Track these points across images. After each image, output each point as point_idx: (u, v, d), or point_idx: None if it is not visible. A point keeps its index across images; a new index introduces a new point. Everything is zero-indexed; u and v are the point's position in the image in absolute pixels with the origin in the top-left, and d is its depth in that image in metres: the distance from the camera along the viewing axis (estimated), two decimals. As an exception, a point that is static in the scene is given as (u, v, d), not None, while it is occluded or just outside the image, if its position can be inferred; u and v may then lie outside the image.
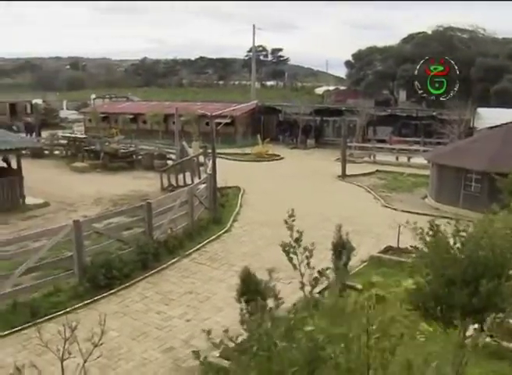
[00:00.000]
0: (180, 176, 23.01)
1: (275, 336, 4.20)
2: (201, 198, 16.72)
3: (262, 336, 4.13)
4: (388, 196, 21.29)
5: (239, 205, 19.44)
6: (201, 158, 23.44)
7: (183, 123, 34.21)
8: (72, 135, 36.19)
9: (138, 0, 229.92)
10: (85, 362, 5.12)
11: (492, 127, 21.54)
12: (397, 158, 30.01)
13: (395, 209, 18.71)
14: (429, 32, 56.75)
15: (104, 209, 18.71)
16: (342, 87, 71.59)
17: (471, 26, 56.04)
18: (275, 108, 41.66)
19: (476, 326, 5.82)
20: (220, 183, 19.10)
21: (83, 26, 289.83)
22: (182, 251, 13.91)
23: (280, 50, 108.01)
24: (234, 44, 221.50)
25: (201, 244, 14.61)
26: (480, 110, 34.40)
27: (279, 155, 32.53)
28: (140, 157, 29.51)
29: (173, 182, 22.78)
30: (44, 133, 39.84)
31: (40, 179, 23.61)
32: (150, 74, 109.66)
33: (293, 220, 4.64)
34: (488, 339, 7.47)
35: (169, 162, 26.54)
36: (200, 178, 20.52)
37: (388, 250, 13.46)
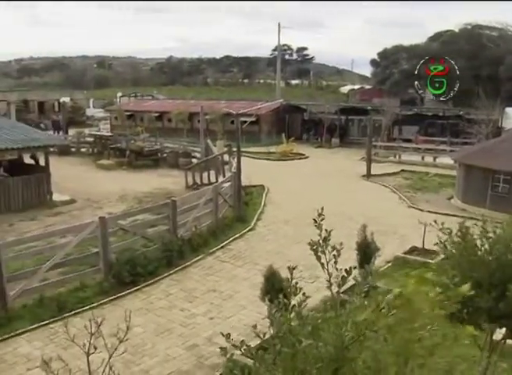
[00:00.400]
0: (205, 175, 23.10)
1: (300, 334, 4.18)
2: (226, 197, 16.77)
3: (287, 333, 4.12)
4: (413, 196, 21.07)
5: (263, 203, 19.44)
6: (226, 157, 23.53)
7: (207, 122, 34.34)
8: (99, 133, 36.63)
9: (164, 0, 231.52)
10: (110, 357, 5.17)
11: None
12: (423, 158, 29.66)
13: (420, 210, 18.51)
14: (456, 30, 55.97)
15: (129, 207, 18.89)
16: (367, 86, 71.07)
17: (500, 24, 55.06)
18: (300, 107, 41.55)
19: (504, 330, 5.73)
20: (244, 182, 19.12)
21: (110, 25, 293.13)
22: (206, 249, 13.97)
23: (305, 49, 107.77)
24: (259, 43, 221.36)
25: (225, 243, 14.65)
26: (508, 110, 33.84)
27: (303, 154, 32.43)
28: (165, 155, 29.71)
29: (198, 180, 22.88)
30: (71, 131, 40.34)
31: (67, 176, 23.94)
32: (175, 73, 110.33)
33: (322, 219, 4.62)
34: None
35: (194, 161, 26.67)
36: (224, 176, 20.61)
37: (413, 250, 13.34)
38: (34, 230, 15.71)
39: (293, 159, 31.30)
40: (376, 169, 25.76)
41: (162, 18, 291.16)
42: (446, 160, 25.21)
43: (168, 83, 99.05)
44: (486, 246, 5.53)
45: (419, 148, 31.57)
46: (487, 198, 18.09)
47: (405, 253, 13.20)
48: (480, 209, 17.32)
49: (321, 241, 4.70)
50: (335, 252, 4.72)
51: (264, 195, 20.75)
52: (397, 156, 30.64)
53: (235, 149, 19.36)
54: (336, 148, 36.34)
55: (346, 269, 4.79)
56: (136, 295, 11.20)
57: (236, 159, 18.42)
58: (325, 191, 21.75)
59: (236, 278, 12.18)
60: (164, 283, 11.88)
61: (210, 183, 20.28)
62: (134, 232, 13.13)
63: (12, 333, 9.33)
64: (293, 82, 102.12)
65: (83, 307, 10.36)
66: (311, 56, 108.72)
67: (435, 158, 28.95)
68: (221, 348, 4.72)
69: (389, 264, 12.66)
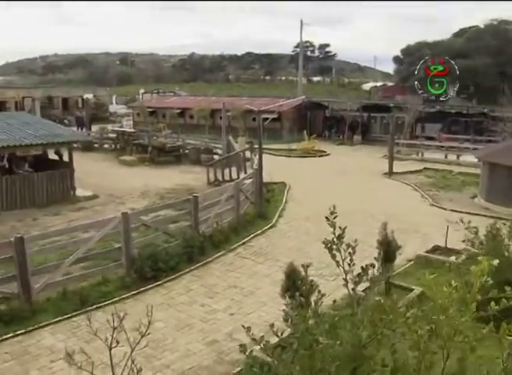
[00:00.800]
0: (226, 171, 23.15)
1: (317, 333, 4.18)
2: (247, 193, 16.79)
3: (304, 333, 4.12)
4: (436, 195, 20.86)
5: (284, 200, 19.43)
6: (247, 154, 23.55)
7: (229, 118, 34.40)
8: (121, 129, 36.97)
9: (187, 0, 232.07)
10: (132, 351, 5.22)
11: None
12: (446, 156, 29.34)
13: (443, 208, 18.32)
14: (482, 26, 55.22)
15: (151, 202, 19.03)
16: (390, 83, 70.54)
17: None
18: (322, 104, 41.40)
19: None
20: (266, 179, 19.13)
21: (133, 23, 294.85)
22: (227, 246, 13.99)
23: (327, 45, 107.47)
24: (281, 40, 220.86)
25: (246, 239, 14.66)
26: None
27: (325, 151, 32.32)
28: (186, 151, 29.86)
29: (219, 176, 22.94)
30: (94, 127, 40.76)
31: (90, 171, 24.20)
32: (197, 69, 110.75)
33: (335, 217, 4.60)
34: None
35: (216, 157, 26.76)
36: (246, 173, 20.64)
37: (435, 250, 13.20)
38: (58, 225, 15.92)
39: (314, 156, 31.22)
40: (398, 166, 25.58)
41: (185, 15, 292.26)
42: (470, 158, 24.89)
43: (190, 80, 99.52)
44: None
45: (442, 146, 31.21)
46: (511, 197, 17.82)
47: (427, 252, 13.07)
48: (504, 209, 17.12)
49: (335, 239, 4.69)
50: (350, 250, 4.71)
51: (285, 192, 20.72)
52: (420, 154, 30.35)
53: (256, 146, 19.38)
54: (358, 145, 36.14)
55: (362, 267, 4.77)
56: (158, 290, 11.27)
57: (257, 156, 18.43)
58: (347, 188, 21.65)
59: (257, 275, 12.19)
60: (185, 278, 11.94)
61: (231, 180, 20.33)
62: (156, 228, 13.20)
63: (36, 326, 9.47)
64: (315, 79, 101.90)
65: (105, 301, 10.46)
66: (333, 53, 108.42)
67: (458, 157, 28.61)
68: (240, 345, 4.75)
69: (411, 263, 12.55)
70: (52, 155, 22.52)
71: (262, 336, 4.46)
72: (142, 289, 11.16)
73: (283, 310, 4.59)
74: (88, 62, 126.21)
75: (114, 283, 11.40)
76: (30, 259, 10.25)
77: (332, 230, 4.94)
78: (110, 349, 5.23)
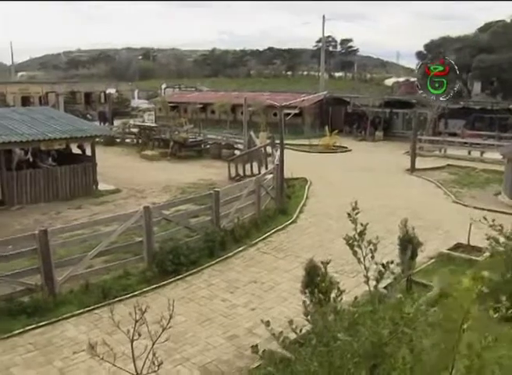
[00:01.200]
0: (247, 166, 23.17)
1: (336, 329, 4.17)
2: (268, 189, 16.78)
3: (323, 330, 4.12)
4: (459, 192, 20.61)
5: (305, 196, 19.37)
6: (268, 149, 23.53)
7: (250, 113, 34.39)
8: (143, 124, 37.18)
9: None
10: (154, 343, 5.27)
11: None
12: (469, 153, 28.95)
13: (466, 206, 18.10)
14: (508, 20, 54.25)
15: (172, 197, 19.12)
16: (412, 79, 69.77)
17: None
18: (344, 99, 41.16)
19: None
20: (287, 174, 19.09)
21: (155, 18, 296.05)
22: (248, 241, 14.01)
23: (349, 40, 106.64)
24: (303, 35, 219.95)
25: (267, 234, 14.66)
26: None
27: (346, 147, 32.16)
28: (208, 146, 29.94)
29: (240, 172, 22.97)
30: (117, 122, 41.11)
31: (112, 166, 24.43)
32: (219, 64, 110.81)
33: (357, 213, 4.58)
34: None
35: (237, 152, 26.80)
36: (267, 168, 20.63)
37: (458, 247, 13.06)
38: (80, 219, 16.11)
39: (335, 152, 31.10)
40: (421, 163, 25.33)
41: (206, 11, 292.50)
42: (494, 155, 24.57)
43: (211, 75, 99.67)
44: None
45: (465, 143, 30.81)
46: (536, 194, 17.56)
47: (449, 249, 12.93)
48: (529, 206, 16.87)
49: (356, 236, 4.67)
50: (371, 247, 4.69)
51: (306, 188, 20.66)
52: (443, 150, 30.01)
53: (278, 141, 19.36)
54: (380, 141, 35.89)
55: (383, 264, 4.75)
56: (178, 284, 11.34)
57: (278, 151, 18.40)
58: (368, 184, 21.51)
59: (277, 270, 12.19)
60: (206, 273, 11.99)
61: (252, 175, 20.35)
62: (177, 222, 13.27)
63: (59, 318, 9.60)
64: (337, 74, 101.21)
65: (127, 294, 10.55)
66: (355, 48, 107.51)
67: (482, 153, 28.23)
68: (252, 346, 4.76)
69: (433, 260, 12.43)
70: (75, 150, 22.77)
71: (281, 332, 4.48)
72: (163, 283, 11.24)
73: (303, 305, 4.59)
74: (111, 57, 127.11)
75: (135, 277, 11.50)
76: (53, 252, 10.41)
77: (353, 226, 4.92)
78: (132, 341, 5.29)
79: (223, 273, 12.03)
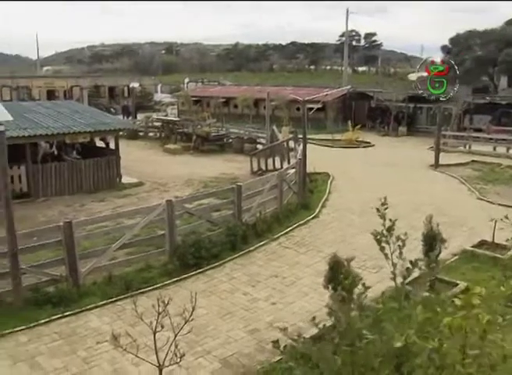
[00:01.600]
0: (270, 161, 23.14)
1: (361, 326, 4.15)
2: (290, 183, 16.75)
3: (347, 328, 4.10)
4: (483, 188, 20.31)
5: (328, 191, 19.28)
6: (291, 144, 23.47)
7: (273, 108, 34.34)
8: (166, 118, 37.37)
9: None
10: (176, 335, 5.31)
11: None
12: (495, 149, 28.47)
13: (490, 202, 17.83)
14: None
15: (195, 191, 19.21)
16: (437, 74, 68.87)
17: None
18: (367, 94, 40.83)
19: None
20: (309, 169, 19.03)
21: (178, 12, 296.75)
22: (270, 235, 14.00)
23: (373, 35, 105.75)
24: (326, 29, 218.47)
25: (289, 229, 14.63)
26: None
27: (369, 142, 31.92)
28: (230, 140, 29.98)
29: (263, 166, 22.96)
30: (140, 116, 41.37)
31: (135, 159, 24.64)
32: (241, 59, 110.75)
33: (386, 208, 4.53)
34: None
35: (259, 146, 26.78)
36: (289, 163, 20.59)
37: (482, 244, 12.88)
38: (104, 211, 16.29)
39: (358, 147, 30.87)
40: (445, 159, 25.03)
41: (230, 5, 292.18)
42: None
43: (234, 70, 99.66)
44: None
45: (491, 138, 30.31)
46: None
47: (473, 246, 12.77)
48: (556, 203, 16.55)
49: (384, 231, 4.63)
50: (399, 243, 4.64)
51: (328, 183, 20.57)
52: (467, 146, 29.58)
53: (300, 136, 19.29)
54: (403, 136, 35.52)
55: (411, 261, 4.71)
56: (199, 278, 11.39)
57: (301, 146, 18.34)
58: (391, 179, 21.34)
59: (299, 265, 12.18)
60: (227, 266, 12.02)
61: (275, 170, 20.32)
62: (199, 216, 13.33)
63: (83, 308, 9.74)
64: (360, 69, 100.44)
65: (149, 287, 10.65)
66: (379, 42, 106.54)
67: (508, 149, 27.77)
68: (273, 341, 4.76)
69: (456, 257, 12.29)
70: (99, 143, 23.01)
71: (299, 334, 4.46)
72: (184, 276, 11.30)
73: (327, 305, 4.57)
74: (134, 51, 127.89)
75: (157, 270, 11.59)
76: (77, 244, 10.55)
77: (377, 221, 4.88)
78: (154, 333, 5.35)
79: (245, 266, 12.05)
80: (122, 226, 12.41)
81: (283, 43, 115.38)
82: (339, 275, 7.80)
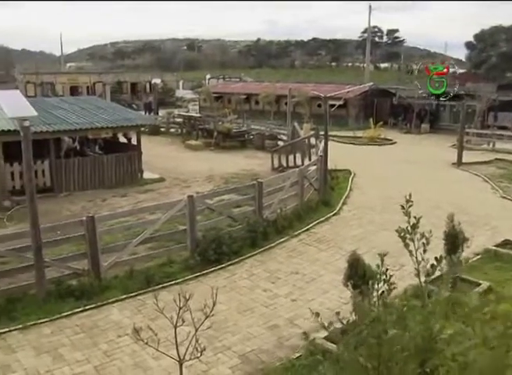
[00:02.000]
0: (291, 157, 23.09)
1: (386, 322, 4.13)
2: (311, 180, 16.71)
3: (374, 322, 4.08)
4: (507, 187, 20.01)
5: (348, 188, 19.19)
6: (312, 140, 23.40)
7: (294, 104, 34.25)
8: (188, 114, 37.53)
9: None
10: (196, 330, 5.34)
11: None
12: (520, 147, 28.08)
13: (514, 201, 17.60)
14: None
15: (216, 186, 19.26)
16: (460, 70, 68.11)
17: None
18: (389, 91, 40.49)
19: None
20: (330, 166, 18.96)
21: (200, 9, 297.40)
22: (290, 232, 13.98)
23: (396, 31, 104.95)
24: (348, 25, 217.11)
25: (310, 226, 14.59)
26: None
27: (391, 140, 31.69)
28: (251, 137, 29.99)
29: (284, 162, 22.93)
30: (161, 112, 41.59)
31: (157, 155, 24.77)
32: (263, 55, 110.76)
33: (410, 206, 4.52)
34: None
35: (280, 143, 26.75)
36: (310, 160, 20.53)
37: (506, 244, 12.70)
38: (125, 206, 16.43)
39: (380, 145, 30.67)
40: (468, 157, 24.72)
41: (251, 1, 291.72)
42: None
43: (255, 66, 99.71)
44: None
45: (516, 136, 29.87)
46: None
47: (496, 246, 12.60)
48: None
49: (409, 228, 4.60)
50: (424, 240, 4.61)
51: (350, 180, 20.48)
52: (491, 144, 29.20)
53: (322, 132, 19.22)
54: (426, 134, 35.18)
55: (436, 258, 4.67)
56: (220, 273, 11.42)
57: (322, 143, 18.27)
58: (413, 177, 21.16)
59: (319, 262, 12.15)
60: (248, 263, 12.04)
61: (296, 166, 20.28)
62: (220, 211, 13.37)
63: (105, 302, 9.85)
64: (383, 65, 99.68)
65: (170, 282, 10.72)
66: (401, 39, 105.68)
67: (533, 148, 27.36)
68: (303, 332, 4.77)
69: (479, 256, 12.14)
70: (121, 138, 23.18)
71: (331, 322, 4.46)
72: (205, 271, 11.35)
73: (352, 298, 4.57)
74: (156, 47, 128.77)
75: (178, 265, 11.65)
76: (99, 238, 10.65)
77: (398, 219, 4.86)
78: (175, 328, 5.38)
79: (265, 263, 12.06)
80: (143, 221, 12.51)
81: (305, 39, 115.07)
82: (358, 272, 7.79)
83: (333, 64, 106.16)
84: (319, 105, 35.78)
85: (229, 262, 11.84)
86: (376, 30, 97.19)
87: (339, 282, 8.82)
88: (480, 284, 9.99)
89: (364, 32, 75.15)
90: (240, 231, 13.05)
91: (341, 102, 33.72)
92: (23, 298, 9.77)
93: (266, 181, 14.54)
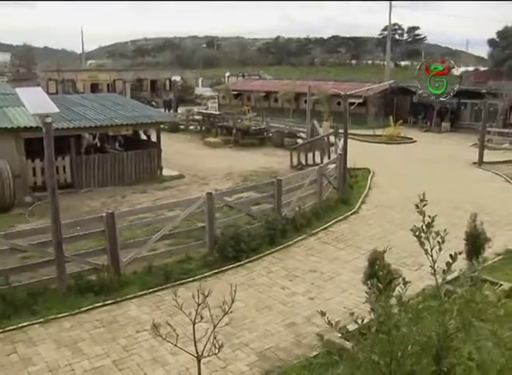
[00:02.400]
0: (310, 155, 23.05)
1: (401, 321, 4.11)
2: (330, 178, 16.65)
3: (386, 319, 4.06)
4: (529, 186, 19.78)
5: (368, 187, 19.09)
6: (331, 138, 23.32)
7: (314, 102, 34.15)
8: (207, 111, 37.65)
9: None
10: (215, 327, 5.35)
11: None
12: (543, 147, 27.69)
13: (537, 201, 17.35)
14: None
15: (234, 184, 19.30)
16: (482, 68, 67.29)
17: None
18: (409, 89, 40.16)
19: None
20: (349, 165, 18.87)
21: (220, 6, 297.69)
22: (308, 230, 13.96)
23: (417, 28, 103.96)
24: (368, 23, 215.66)
25: (328, 224, 14.55)
26: None
27: (411, 138, 31.44)
28: (270, 134, 29.98)
29: (303, 160, 22.89)
30: (181, 109, 41.76)
31: (176, 152, 24.90)
32: (282, 53, 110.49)
33: (425, 205, 4.48)
34: None
35: (299, 141, 26.70)
36: (329, 158, 20.46)
37: (527, 244, 12.56)
38: (145, 203, 16.55)
39: (399, 143, 30.45)
40: (489, 156, 24.44)
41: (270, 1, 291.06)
42: None
43: (274, 64, 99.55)
44: None
45: (539, 136, 29.45)
46: None
47: (519, 246, 12.45)
48: None
49: (424, 227, 4.56)
50: (439, 239, 4.57)
51: (369, 179, 20.37)
52: (513, 143, 28.84)
53: (341, 131, 19.14)
54: (446, 132, 34.83)
55: (450, 255, 4.62)
56: (238, 271, 11.45)
57: (342, 141, 18.20)
58: (433, 176, 20.97)
59: (337, 260, 12.11)
60: (266, 260, 12.05)
61: (315, 164, 20.22)
62: (239, 209, 13.39)
63: (124, 297, 9.93)
64: (403, 63, 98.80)
65: (188, 278, 10.77)
66: (422, 36, 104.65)
67: (556, 147, 26.96)
68: (317, 333, 4.76)
69: (500, 257, 12.00)
70: (141, 136, 23.33)
71: (338, 321, 4.45)
72: (223, 268, 11.37)
73: (368, 296, 4.54)
74: (176, 45, 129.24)
75: (196, 261, 11.70)
76: (119, 234, 10.73)
77: (418, 218, 4.82)
78: (194, 324, 5.40)
79: (283, 261, 12.06)
80: (162, 217, 12.60)
81: (324, 36, 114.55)
82: (378, 271, 7.74)
83: (353, 62, 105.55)
84: (339, 103, 35.68)
85: (247, 260, 11.86)
86: (396, 27, 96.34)
87: (358, 281, 8.80)
88: (501, 285, 9.87)
89: (385, 29, 74.56)
90: (259, 229, 13.06)
91: (361, 100, 33.60)
92: (44, 293, 9.90)
93: (285, 179, 14.53)
